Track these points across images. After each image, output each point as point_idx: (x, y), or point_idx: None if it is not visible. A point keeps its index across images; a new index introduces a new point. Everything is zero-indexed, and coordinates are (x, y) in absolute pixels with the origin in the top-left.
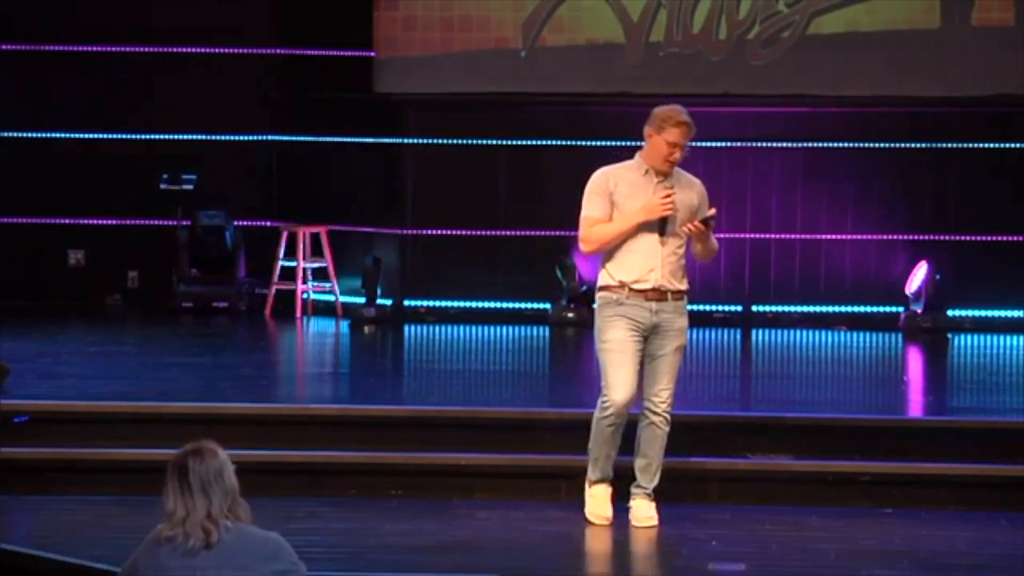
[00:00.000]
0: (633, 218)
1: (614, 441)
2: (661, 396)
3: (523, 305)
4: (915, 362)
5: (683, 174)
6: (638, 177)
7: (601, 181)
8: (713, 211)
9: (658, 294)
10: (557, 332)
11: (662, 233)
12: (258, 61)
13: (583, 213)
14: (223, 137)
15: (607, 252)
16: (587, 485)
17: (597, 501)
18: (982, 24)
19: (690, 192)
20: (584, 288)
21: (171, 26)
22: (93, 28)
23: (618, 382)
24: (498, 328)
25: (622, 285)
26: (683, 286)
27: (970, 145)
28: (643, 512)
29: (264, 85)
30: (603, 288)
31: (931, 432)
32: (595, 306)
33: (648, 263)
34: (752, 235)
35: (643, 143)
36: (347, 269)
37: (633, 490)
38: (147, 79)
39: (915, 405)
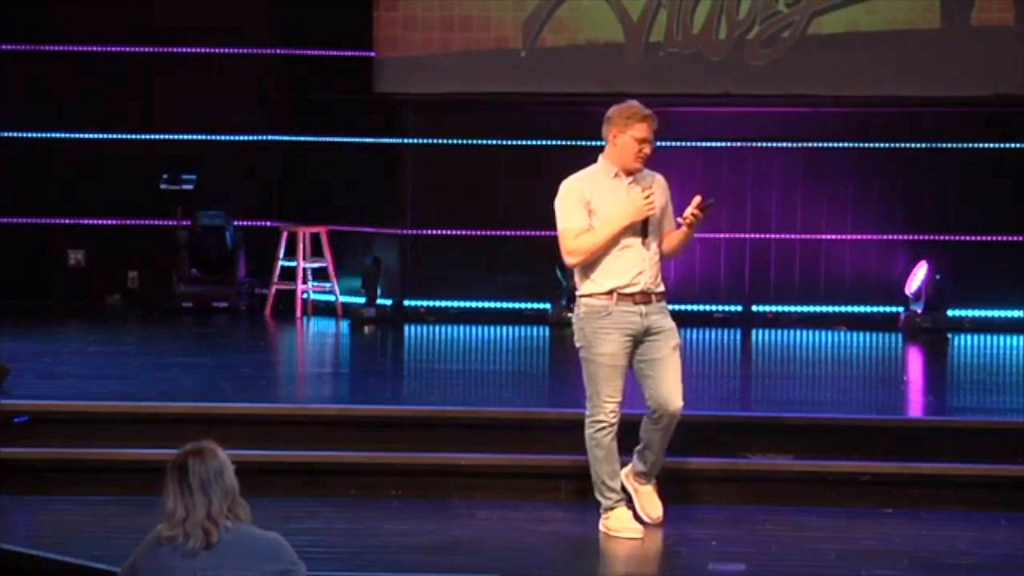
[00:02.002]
0: (619, 221)
1: (615, 451)
2: (675, 397)
3: (523, 305)
4: (915, 362)
5: (646, 171)
6: (609, 181)
7: (575, 189)
8: (698, 199)
9: (644, 296)
10: (557, 332)
11: (645, 234)
12: (258, 61)
13: (562, 225)
14: (223, 137)
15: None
16: (604, 515)
17: (623, 521)
18: (982, 24)
19: (659, 190)
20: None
21: (171, 26)
22: (93, 28)
23: (610, 394)
24: (498, 328)
25: (611, 292)
26: (663, 287)
27: (970, 145)
28: (655, 511)
29: (264, 85)
30: (588, 296)
31: (931, 432)
32: (579, 313)
33: (635, 266)
34: (752, 235)
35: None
36: (347, 269)
37: (639, 479)
38: (147, 79)
39: (915, 405)
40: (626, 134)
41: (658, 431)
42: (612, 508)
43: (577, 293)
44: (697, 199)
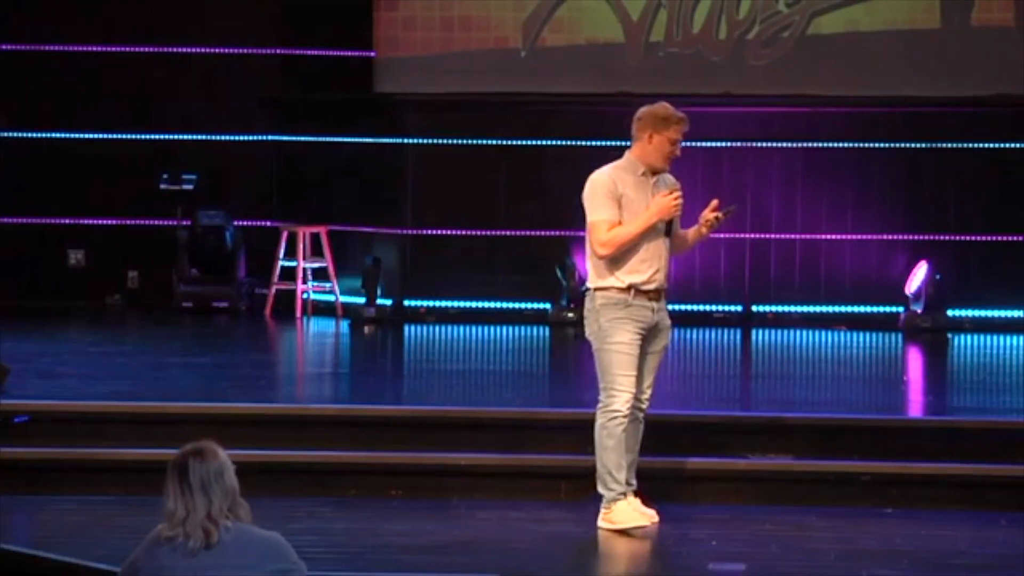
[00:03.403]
0: (648, 219)
1: (623, 443)
2: (647, 393)
3: (523, 305)
4: (915, 362)
5: (665, 174)
6: (636, 179)
7: (608, 183)
8: (715, 202)
9: (657, 293)
10: (557, 332)
11: (668, 233)
12: (258, 61)
13: (595, 217)
14: (223, 137)
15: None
16: (605, 508)
17: (626, 513)
18: (982, 24)
19: (678, 190)
20: (584, 288)
21: (171, 26)
22: (93, 28)
23: (626, 384)
24: (498, 328)
25: (630, 288)
26: (667, 285)
27: (970, 145)
28: (643, 508)
29: (264, 85)
30: (605, 289)
31: (931, 432)
32: (594, 305)
33: (654, 264)
34: (752, 235)
35: (631, 144)
36: (347, 269)
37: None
38: (147, 79)
39: (915, 405)
40: (662, 135)
41: (630, 424)
42: (615, 500)
43: (591, 285)
44: (715, 203)
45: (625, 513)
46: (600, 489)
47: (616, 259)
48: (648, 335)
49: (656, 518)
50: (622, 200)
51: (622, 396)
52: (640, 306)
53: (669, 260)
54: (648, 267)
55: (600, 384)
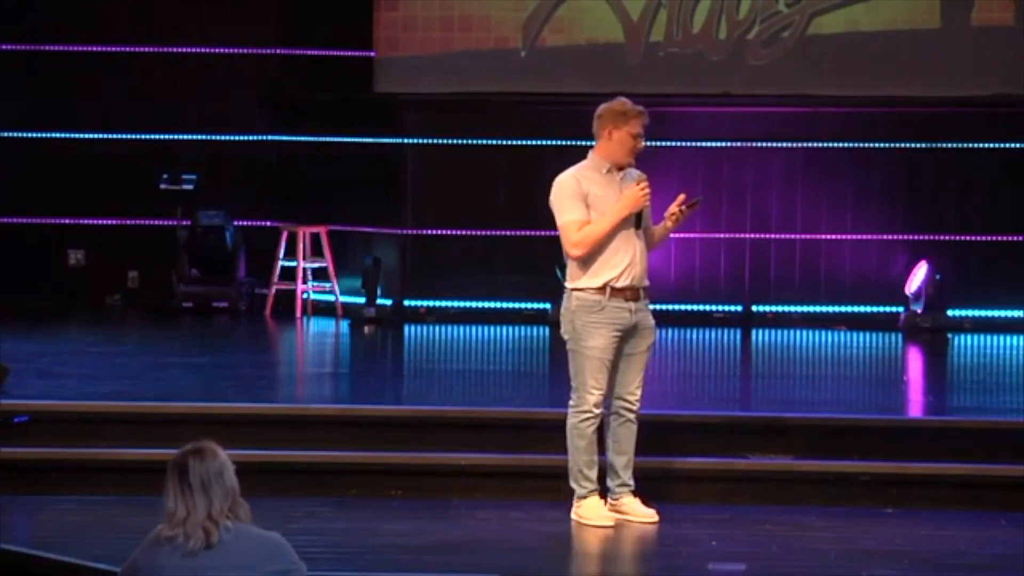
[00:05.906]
0: (617, 213)
1: (595, 442)
2: (636, 394)
3: (523, 305)
4: (915, 362)
5: (631, 168)
6: (602, 176)
7: (573, 184)
8: (682, 196)
9: (634, 292)
10: (557, 332)
11: (638, 227)
12: (258, 61)
13: (564, 219)
14: (223, 137)
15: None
16: (576, 504)
17: (595, 509)
18: (982, 24)
19: (645, 181)
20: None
21: (171, 26)
22: (94, 28)
23: (597, 386)
24: (498, 328)
25: (604, 287)
26: (648, 283)
27: (970, 145)
28: (642, 508)
29: (264, 85)
30: (581, 290)
31: (931, 432)
32: (569, 305)
33: (627, 260)
34: (752, 235)
35: (595, 143)
36: (347, 269)
37: (618, 489)
38: (147, 79)
39: (915, 405)
40: (622, 130)
41: (620, 426)
42: (585, 497)
43: (568, 286)
44: (681, 196)
45: (594, 510)
46: (572, 484)
47: (589, 258)
48: (627, 336)
49: (656, 518)
50: (588, 198)
51: (592, 397)
52: (616, 307)
53: (645, 256)
54: (622, 263)
55: (572, 383)
